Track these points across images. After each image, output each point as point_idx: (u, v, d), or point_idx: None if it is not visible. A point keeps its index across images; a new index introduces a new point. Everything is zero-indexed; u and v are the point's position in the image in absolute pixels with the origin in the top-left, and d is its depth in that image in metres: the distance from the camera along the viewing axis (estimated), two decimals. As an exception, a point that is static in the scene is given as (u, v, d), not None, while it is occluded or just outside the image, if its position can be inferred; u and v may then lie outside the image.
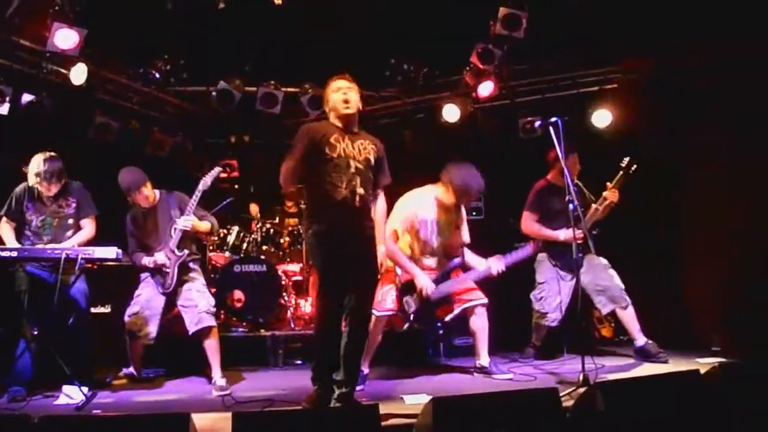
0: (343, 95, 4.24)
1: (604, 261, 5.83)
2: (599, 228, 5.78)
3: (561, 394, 3.57)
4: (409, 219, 5.23)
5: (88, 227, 5.24)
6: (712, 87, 6.23)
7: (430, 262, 5.35)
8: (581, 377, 4.36)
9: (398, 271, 5.19)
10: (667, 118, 6.78)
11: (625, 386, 3.58)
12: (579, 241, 5.45)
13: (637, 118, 6.92)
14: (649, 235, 7.00)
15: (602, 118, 7.08)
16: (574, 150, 5.78)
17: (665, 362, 5.46)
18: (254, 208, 7.74)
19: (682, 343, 6.02)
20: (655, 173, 6.89)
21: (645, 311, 6.78)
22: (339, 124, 4.28)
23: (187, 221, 5.18)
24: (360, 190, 4.16)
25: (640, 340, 5.66)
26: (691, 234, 6.71)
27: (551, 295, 5.85)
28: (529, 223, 5.88)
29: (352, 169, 4.16)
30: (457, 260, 5.28)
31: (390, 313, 5.12)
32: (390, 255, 5.01)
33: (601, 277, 5.75)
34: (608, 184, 5.65)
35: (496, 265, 5.23)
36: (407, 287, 5.17)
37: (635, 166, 5.61)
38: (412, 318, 5.14)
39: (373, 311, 4.83)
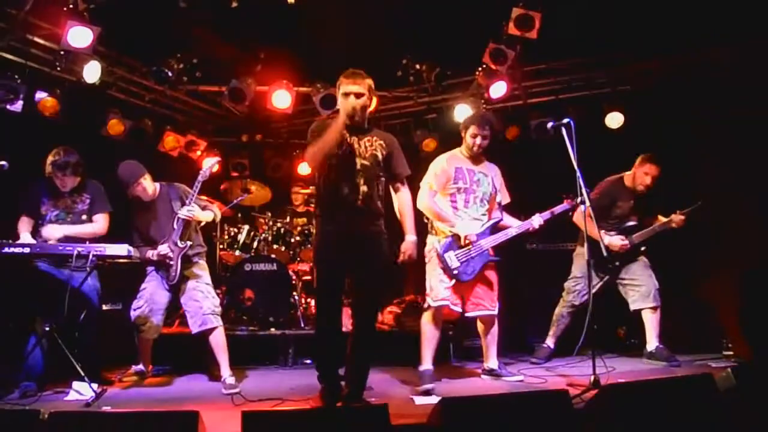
0: (350, 103, 4.20)
1: (644, 259, 5.91)
2: (646, 246, 5.90)
3: (572, 396, 3.55)
4: (445, 171, 5.08)
5: (100, 222, 5.24)
6: (727, 88, 6.20)
7: (477, 214, 5.16)
8: (592, 379, 4.33)
9: (436, 246, 5.00)
10: (681, 118, 6.75)
11: (637, 389, 3.55)
12: (621, 251, 5.75)
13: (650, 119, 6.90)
14: (661, 237, 6.94)
15: (615, 119, 7.04)
16: (654, 159, 5.83)
17: (677, 366, 5.45)
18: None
19: (695, 345, 5.98)
20: (666, 176, 6.86)
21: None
22: (347, 122, 4.26)
23: (190, 211, 5.16)
24: (364, 188, 4.17)
25: (653, 344, 5.70)
26: (704, 236, 6.65)
27: (584, 290, 5.84)
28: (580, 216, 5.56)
29: (357, 167, 4.18)
30: (497, 215, 5.18)
31: (445, 303, 4.93)
32: (426, 207, 4.98)
33: (640, 273, 5.84)
34: (679, 211, 5.82)
35: (536, 220, 5.23)
36: (449, 242, 4.99)
37: (699, 202, 5.77)
38: (455, 274, 4.92)
39: (428, 301, 4.93)
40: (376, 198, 4.25)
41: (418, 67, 7.09)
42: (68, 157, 5.01)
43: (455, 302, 4.98)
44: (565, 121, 4.79)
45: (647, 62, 6.84)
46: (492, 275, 5.17)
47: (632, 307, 5.87)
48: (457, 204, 5.10)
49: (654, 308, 5.74)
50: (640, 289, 5.79)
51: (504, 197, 5.33)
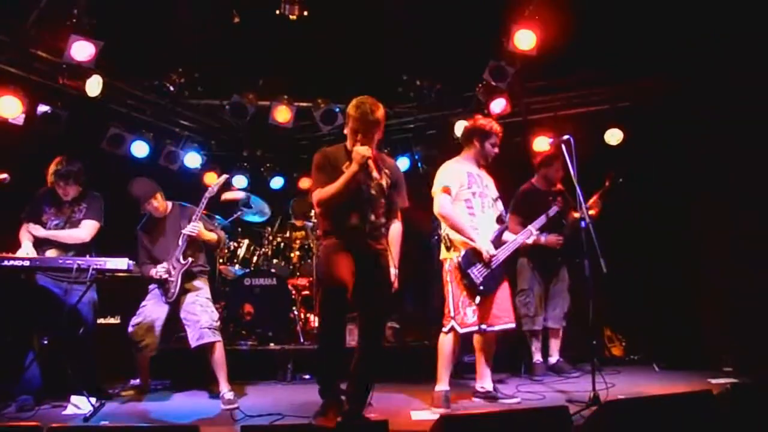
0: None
1: (567, 278, 6.19)
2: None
3: (571, 413, 3.54)
4: (460, 175, 4.94)
5: (84, 228, 5.22)
6: (725, 107, 6.24)
7: (492, 220, 5.02)
8: (592, 395, 4.32)
9: (456, 261, 4.84)
10: (679, 135, 6.79)
11: (637, 405, 3.54)
12: (558, 247, 5.97)
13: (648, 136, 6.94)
14: (662, 255, 6.98)
15: (615, 135, 7.08)
16: (558, 157, 5.93)
17: (577, 377, 5.79)
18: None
19: (694, 362, 5.98)
20: (666, 191, 6.90)
21: (657, 330, 6.79)
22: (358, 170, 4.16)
23: (194, 227, 5.20)
24: (371, 217, 4.20)
25: (555, 357, 6.14)
26: (704, 252, 6.68)
27: (534, 298, 6.06)
28: (513, 225, 5.63)
29: (364, 196, 4.18)
30: (502, 226, 5.05)
31: (474, 328, 4.80)
32: (447, 216, 4.80)
33: (561, 294, 6.14)
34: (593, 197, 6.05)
35: (533, 228, 5.19)
36: (469, 256, 4.82)
37: (620, 180, 5.99)
38: (481, 290, 4.77)
39: (455, 326, 4.76)
40: (381, 222, 4.28)
41: (418, 83, 7.14)
42: (70, 166, 5.10)
43: (483, 323, 4.84)
44: (565, 137, 4.81)
45: (647, 79, 6.88)
46: (506, 287, 5.03)
47: (546, 324, 6.13)
48: (474, 209, 4.91)
49: (558, 329, 6.16)
50: (555, 310, 6.14)
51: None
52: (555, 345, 6.17)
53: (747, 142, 6.03)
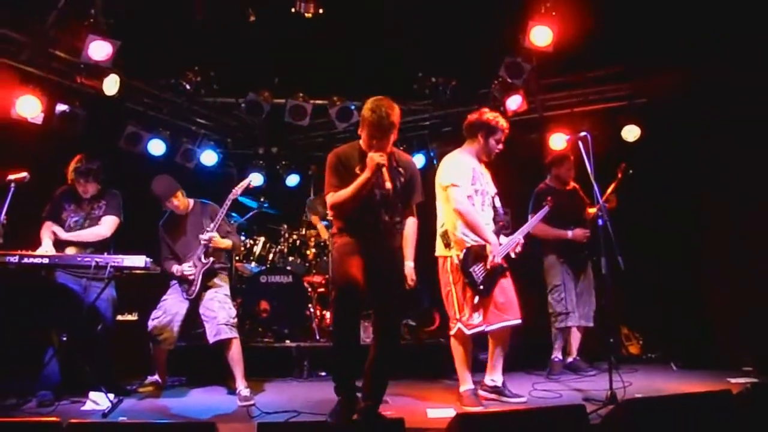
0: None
1: (592, 277, 6.11)
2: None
3: (588, 412, 3.52)
4: (467, 169, 4.84)
5: (105, 224, 5.31)
6: (740, 103, 6.18)
7: (488, 218, 4.91)
8: (609, 394, 4.30)
9: (457, 261, 4.76)
10: (692, 132, 6.74)
11: (655, 404, 3.52)
12: (585, 241, 5.94)
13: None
14: (678, 251, 6.93)
15: (632, 132, 7.02)
16: (568, 156, 6.05)
17: (593, 375, 5.72)
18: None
19: (712, 361, 5.93)
20: (683, 189, 6.85)
21: (674, 328, 6.74)
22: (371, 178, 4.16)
23: (210, 237, 5.27)
24: (385, 218, 4.20)
25: (573, 356, 6.03)
26: (722, 250, 6.63)
27: (569, 294, 5.97)
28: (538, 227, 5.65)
29: (377, 197, 4.19)
30: (500, 218, 5.00)
31: (481, 328, 4.75)
32: (464, 212, 4.69)
33: (588, 291, 6.06)
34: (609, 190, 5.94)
35: (519, 239, 4.98)
36: (473, 255, 4.76)
37: (631, 171, 5.93)
38: (480, 290, 4.72)
39: (461, 328, 4.75)
40: (395, 221, 4.28)
41: (434, 80, 7.11)
42: (90, 164, 5.21)
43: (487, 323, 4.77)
44: (582, 134, 4.79)
45: (664, 75, 6.82)
46: (508, 283, 4.89)
47: (579, 322, 6.01)
48: (475, 207, 4.81)
49: (585, 328, 5.98)
50: (583, 308, 6.03)
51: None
52: (576, 343, 6.09)
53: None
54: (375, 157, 4.06)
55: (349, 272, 4.12)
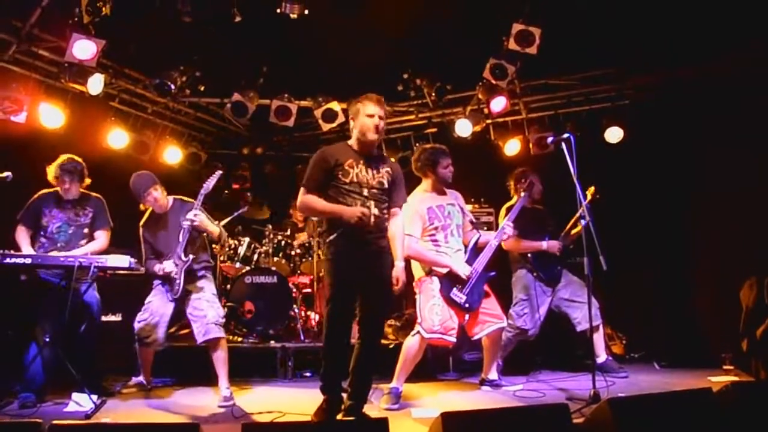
0: (374, 122, 4.23)
1: (579, 279, 5.94)
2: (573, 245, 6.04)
3: (572, 411, 3.55)
4: (419, 216, 5.07)
5: (102, 239, 5.35)
6: (723, 103, 6.24)
7: (458, 246, 5.21)
8: (592, 393, 4.34)
9: (435, 287, 5.05)
10: (677, 133, 6.80)
11: (636, 403, 3.55)
12: (559, 253, 5.93)
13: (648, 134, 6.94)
14: (661, 252, 6.99)
15: (615, 134, 7.07)
16: (527, 175, 6.03)
17: (625, 377, 5.65)
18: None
19: (694, 360, 5.99)
20: (666, 190, 6.91)
21: (656, 328, 6.80)
22: (356, 148, 4.31)
23: (196, 216, 5.16)
24: (375, 211, 4.21)
25: (603, 356, 5.86)
26: (704, 251, 6.69)
27: (533, 311, 5.88)
28: (513, 242, 5.79)
29: (365, 194, 4.21)
30: (473, 234, 5.25)
31: (437, 336, 4.94)
32: (416, 256, 5.04)
33: (579, 294, 5.88)
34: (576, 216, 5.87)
35: (507, 227, 5.26)
36: (448, 281, 5.05)
37: (598, 196, 5.79)
38: (467, 308, 5.03)
39: (420, 331, 4.96)
40: (383, 219, 4.31)
41: (418, 81, 7.14)
42: (71, 164, 5.21)
43: (450, 333, 4.95)
44: (565, 136, 4.82)
45: (646, 77, 6.89)
46: (489, 291, 5.23)
47: (578, 329, 5.91)
48: (438, 243, 5.12)
49: (597, 327, 5.80)
50: (582, 310, 5.80)
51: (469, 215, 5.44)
52: (600, 345, 5.87)
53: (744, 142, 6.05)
54: (357, 212, 4.10)
55: (343, 272, 4.16)
